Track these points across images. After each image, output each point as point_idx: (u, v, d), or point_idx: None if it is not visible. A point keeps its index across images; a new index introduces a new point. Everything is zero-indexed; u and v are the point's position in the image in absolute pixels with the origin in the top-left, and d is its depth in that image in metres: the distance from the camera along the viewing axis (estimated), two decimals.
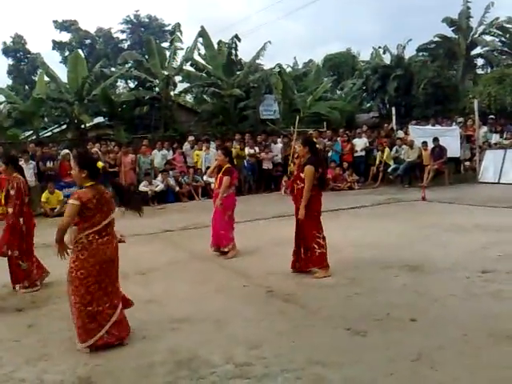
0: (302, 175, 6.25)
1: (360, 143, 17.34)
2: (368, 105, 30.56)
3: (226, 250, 7.59)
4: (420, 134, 16.61)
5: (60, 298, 5.95)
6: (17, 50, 42.52)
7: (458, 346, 4.10)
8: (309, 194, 6.16)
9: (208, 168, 11.89)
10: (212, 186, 9.32)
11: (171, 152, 16.09)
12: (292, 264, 6.49)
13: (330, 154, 16.95)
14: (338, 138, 17.64)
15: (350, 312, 5.01)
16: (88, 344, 4.35)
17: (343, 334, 4.47)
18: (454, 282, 5.82)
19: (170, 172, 15.12)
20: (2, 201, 6.48)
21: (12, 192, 6.27)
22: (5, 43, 42.83)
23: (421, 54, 27.31)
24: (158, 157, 15.47)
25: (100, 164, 4.45)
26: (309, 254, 6.32)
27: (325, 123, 21.16)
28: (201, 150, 15.76)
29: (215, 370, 3.90)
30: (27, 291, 6.36)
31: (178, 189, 14.85)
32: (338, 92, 30.17)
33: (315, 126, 20.49)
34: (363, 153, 17.29)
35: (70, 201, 4.26)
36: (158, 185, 14.36)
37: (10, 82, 41.10)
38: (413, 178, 16.07)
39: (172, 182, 14.83)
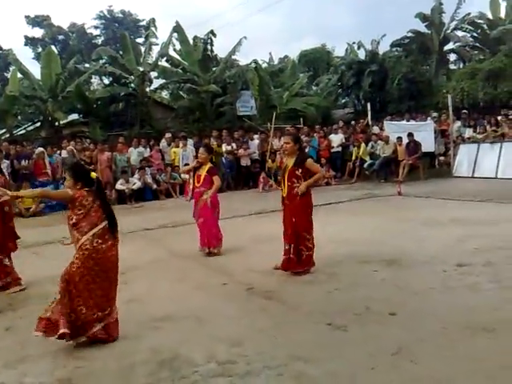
0: (297, 172, 6.16)
1: (336, 139, 17.46)
2: (343, 100, 30.76)
3: (215, 251, 7.54)
4: (395, 129, 16.80)
5: (39, 300, 5.88)
6: None
7: (437, 338, 4.17)
8: (320, 178, 6.21)
9: (186, 165, 11.83)
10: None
11: (148, 149, 15.96)
12: (284, 265, 6.34)
13: (307, 149, 16.99)
14: (315, 134, 17.72)
15: (330, 307, 5.05)
16: (79, 341, 4.38)
17: (324, 330, 4.50)
18: (431, 276, 5.90)
19: (148, 169, 15.00)
20: None
21: None
22: None
23: (395, 49, 27.63)
24: (135, 154, 15.34)
25: (93, 174, 4.47)
26: (296, 254, 6.21)
27: (301, 119, 21.22)
28: (178, 147, 15.67)
29: (197, 369, 3.89)
30: (14, 290, 6.28)
31: (155, 186, 14.76)
32: (314, 88, 30.27)
33: (292, 121, 20.55)
34: (340, 148, 17.42)
35: (65, 189, 4.38)
36: (135, 183, 14.24)
37: None
38: (388, 173, 16.22)
39: (149, 179, 14.73)
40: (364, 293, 5.41)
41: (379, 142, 16.51)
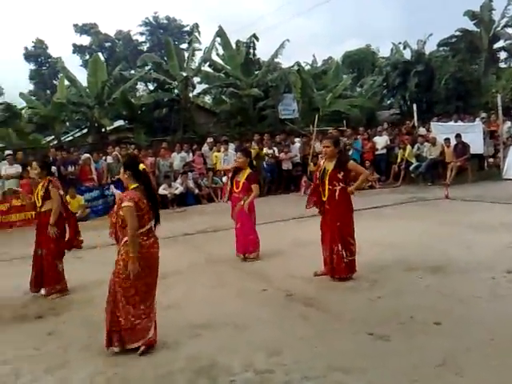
0: (339, 175, 6.08)
1: (381, 141, 17.10)
2: (388, 102, 30.17)
3: (251, 256, 7.48)
4: (442, 130, 16.31)
5: (80, 304, 6.01)
6: (38, 54, 43.11)
7: (484, 348, 3.99)
8: (366, 178, 6.13)
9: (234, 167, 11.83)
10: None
11: (190, 154, 16.09)
12: (327, 271, 6.25)
13: (350, 152, 16.76)
14: (359, 136, 17.43)
15: (372, 316, 4.91)
16: (138, 345, 4.38)
17: (366, 339, 4.38)
18: (479, 283, 5.68)
19: (190, 174, 15.11)
20: (38, 202, 6.52)
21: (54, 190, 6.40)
22: (26, 48, 43.51)
23: (442, 48, 26.90)
24: (177, 159, 15.48)
25: (142, 166, 4.52)
26: (339, 259, 6.09)
27: (344, 121, 20.94)
28: (219, 151, 15.72)
29: (235, 378, 3.85)
30: (57, 296, 6.37)
31: (197, 191, 14.83)
32: (358, 89, 29.84)
33: (335, 124, 20.29)
34: (384, 151, 17.04)
35: (125, 203, 4.28)
36: (178, 187, 14.36)
37: (31, 87, 41.80)
38: (435, 175, 15.74)
39: (191, 184, 14.82)
40: (408, 301, 5.24)
41: (426, 143, 16.06)
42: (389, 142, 17.13)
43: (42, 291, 6.44)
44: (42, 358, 4.50)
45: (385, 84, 26.68)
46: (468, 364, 3.75)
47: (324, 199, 6.21)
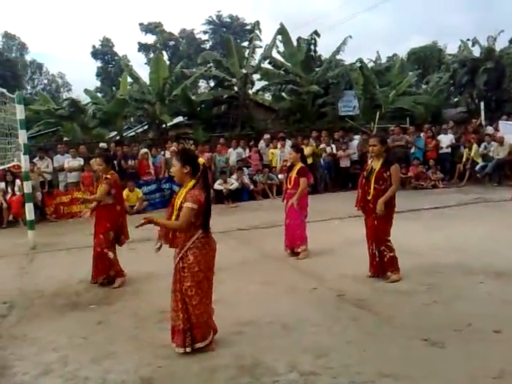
0: (385, 175, 5.92)
1: (445, 139, 16.46)
2: (455, 99, 29.13)
3: (299, 250, 7.39)
4: (511, 129, 15.47)
5: (131, 295, 6.07)
6: (105, 52, 44.71)
7: None
8: (395, 192, 5.93)
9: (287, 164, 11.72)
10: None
11: (247, 150, 16.08)
12: (373, 270, 6.16)
13: (412, 150, 16.25)
14: (421, 134, 16.86)
15: (426, 321, 4.65)
16: (207, 341, 4.28)
17: (418, 345, 4.14)
18: None
19: (245, 170, 15.10)
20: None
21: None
22: (94, 46, 45.22)
23: None
24: (234, 155, 15.52)
25: (201, 160, 4.36)
26: (379, 257, 6.03)
27: (408, 119, 20.33)
28: (276, 148, 15.61)
29: (278, 379, 3.73)
30: (118, 283, 6.52)
31: (252, 187, 14.80)
32: (424, 86, 29.00)
33: (397, 121, 19.72)
34: (449, 150, 16.41)
35: (189, 204, 4.07)
36: (233, 183, 14.37)
37: (98, 84, 43.34)
38: (502, 176, 15.03)
39: (247, 180, 14.81)
40: (466, 307, 4.94)
41: (493, 143, 15.35)
42: (454, 141, 16.49)
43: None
44: (90, 347, 4.54)
45: (452, 81, 25.78)
46: None
47: (369, 198, 6.04)
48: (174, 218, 4.27)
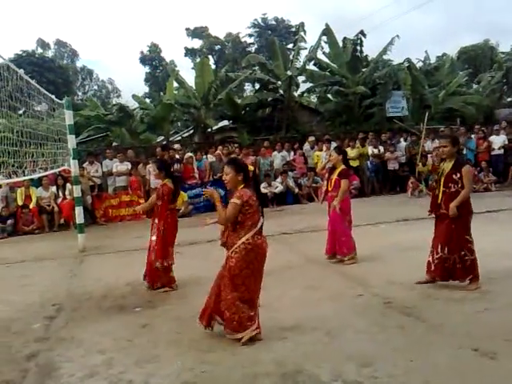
0: (455, 177, 5.66)
1: (498, 140, 15.93)
2: (509, 99, 28.12)
3: (345, 258, 7.19)
4: None
5: (176, 299, 6.10)
6: (153, 58, 45.63)
7: None
8: (468, 196, 5.66)
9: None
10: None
11: (292, 153, 15.99)
12: (436, 272, 5.82)
13: (463, 152, 15.74)
14: (473, 135, 16.33)
15: (478, 330, 4.44)
16: (243, 334, 4.45)
17: (468, 355, 3.96)
18: None
19: (290, 173, 15.01)
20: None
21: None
22: (142, 52, 46.21)
23: None
24: (278, 158, 15.48)
25: (251, 168, 4.72)
26: (458, 262, 5.67)
27: (458, 119, 19.74)
28: (321, 150, 15.45)
29: None
30: (165, 290, 6.50)
31: (297, 190, 14.70)
32: (475, 86, 28.15)
33: (448, 122, 19.24)
34: (502, 151, 15.85)
35: (233, 200, 4.42)
36: (278, 186, 14.32)
37: (147, 89, 44.28)
38: None
39: (291, 183, 14.72)
40: None
41: None
42: (507, 142, 15.87)
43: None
44: (134, 350, 4.58)
45: (504, 80, 24.93)
46: None
47: (439, 202, 5.78)
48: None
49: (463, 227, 5.67)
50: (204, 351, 4.39)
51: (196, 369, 4.08)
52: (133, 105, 22.20)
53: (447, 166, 5.78)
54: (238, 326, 4.46)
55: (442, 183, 5.74)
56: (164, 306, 5.88)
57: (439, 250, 5.72)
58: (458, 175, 5.65)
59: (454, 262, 5.64)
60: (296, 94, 22.58)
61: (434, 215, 5.94)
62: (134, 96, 21.78)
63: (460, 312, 4.94)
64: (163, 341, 4.75)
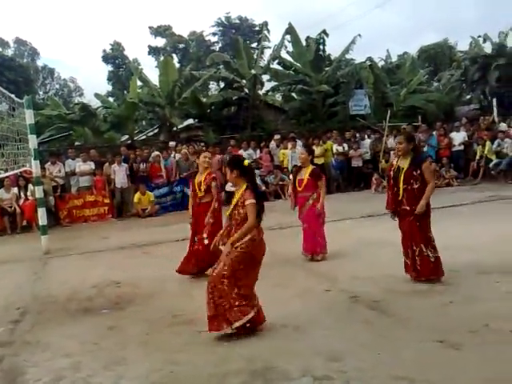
0: (415, 173, 5.74)
1: (458, 137, 16.32)
2: (468, 97, 28.85)
3: (318, 258, 7.25)
4: None
5: (143, 300, 6.04)
6: (115, 56, 44.88)
7: None
8: (433, 190, 5.77)
9: (295, 166, 11.61)
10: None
11: (258, 151, 16.04)
12: (407, 269, 5.92)
13: (425, 148, 16.10)
14: (434, 132, 16.71)
15: (443, 323, 4.55)
16: (241, 322, 4.50)
17: (434, 347, 4.05)
18: None
19: (257, 171, 15.03)
20: (200, 193, 6.93)
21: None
22: (104, 51, 45.43)
23: None
24: (245, 156, 15.43)
25: (246, 162, 4.79)
26: (423, 261, 5.75)
27: (420, 117, 20.17)
28: (286, 148, 15.55)
29: (291, 383, 3.65)
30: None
31: (264, 188, 14.74)
32: (435, 84, 28.78)
33: (409, 119, 19.60)
34: (462, 147, 16.25)
35: (250, 201, 4.53)
36: None
37: (110, 88, 43.58)
38: None
39: (258, 181, 14.73)
40: (483, 307, 4.82)
41: (506, 139, 15.17)
42: (467, 138, 16.31)
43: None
44: (102, 352, 4.52)
45: (463, 78, 25.54)
46: None
47: (400, 199, 5.85)
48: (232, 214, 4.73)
49: (427, 225, 5.78)
50: (173, 351, 4.37)
51: (165, 369, 4.06)
52: (95, 104, 21.81)
53: (404, 163, 5.83)
54: (235, 316, 4.50)
55: (401, 180, 5.79)
56: (131, 308, 5.82)
57: (409, 248, 5.81)
58: (419, 171, 5.72)
59: (420, 260, 5.73)
60: (261, 92, 22.67)
61: (393, 213, 6.02)
62: (96, 95, 21.41)
63: (425, 305, 5.05)
64: (131, 342, 4.70)
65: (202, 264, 6.64)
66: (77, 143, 19.31)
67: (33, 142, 9.58)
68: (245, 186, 4.63)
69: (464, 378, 3.53)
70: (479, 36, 26.16)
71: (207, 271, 6.45)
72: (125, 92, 33.80)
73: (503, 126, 16.67)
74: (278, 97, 27.47)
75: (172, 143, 16.23)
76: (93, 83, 47.99)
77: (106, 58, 45.37)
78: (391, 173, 6.01)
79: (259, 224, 4.64)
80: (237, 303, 4.52)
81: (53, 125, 19.81)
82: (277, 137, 16.72)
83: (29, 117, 9.44)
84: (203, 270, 6.59)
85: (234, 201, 4.71)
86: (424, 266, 5.72)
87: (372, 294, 5.49)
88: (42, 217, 9.72)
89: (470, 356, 3.85)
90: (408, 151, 5.85)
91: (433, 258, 5.73)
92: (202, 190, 6.86)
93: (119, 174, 13.82)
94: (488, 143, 15.37)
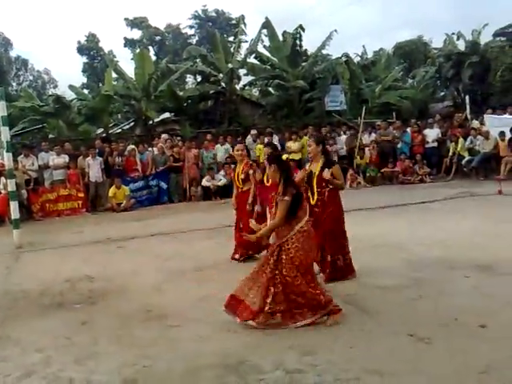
0: (324, 175, 5.73)
1: (432, 134, 16.54)
2: (442, 93, 29.27)
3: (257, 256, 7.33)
4: (496, 123, 15.55)
5: (116, 294, 6.01)
6: (90, 48, 44.18)
7: None
8: (343, 189, 6.04)
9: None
10: None
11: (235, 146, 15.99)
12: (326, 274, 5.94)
13: (399, 145, 16.32)
14: (408, 129, 16.92)
15: (413, 316, 4.64)
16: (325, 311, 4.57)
17: (404, 341, 4.13)
18: None
19: (233, 166, 15.01)
20: (239, 183, 7.38)
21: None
22: (79, 42, 44.71)
23: (498, 39, 25.62)
24: (221, 151, 15.46)
25: (284, 156, 4.87)
26: (340, 261, 5.88)
27: (394, 113, 20.39)
28: (263, 143, 15.54)
29: (264, 377, 3.69)
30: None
31: None
32: (410, 81, 29.09)
33: (384, 116, 19.79)
34: (435, 144, 16.48)
35: (282, 198, 4.54)
36: (221, 179, 14.33)
37: (84, 80, 42.95)
38: (489, 170, 15.12)
39: None
40: (452, 301, 4.94)
41: (479, 136, 15.41)
42: (440, 135, 16.55)
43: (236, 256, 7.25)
44: (74, 347, 4.48)
45: (437, 75, 25.89)
46: None
47: (313, 203, 5.85)
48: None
49: (339, 231, 5.91)
50: (145, 346, 4.36)
51: (138, 364, 4.05)
52: (70, 96, 21.46)
53: (315, 167, 5.85)
54: (317, 306, 4.57)
55: (315, 185, 5.80)
56: (104, 302, 5.77)
57: (324, 253, 5.85)
58: (330, 172, 5.74)
59: (330, 264, 5.83)
60: (238, 87, 22.62)
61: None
62: (71, 86, 21.08)
63: (396, 300, 5.13)
64: (104, 337, 4.67)
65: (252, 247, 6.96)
66: (51, 136, 18.97)
67: (5, 134, 9.41)
68: (281, 181, 4.66)
69: (433, 370, 3.61)
70: (453, 33, 26.58)
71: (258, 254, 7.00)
72: (100, 84, 33.41)
73: (475, 124, 16.92)
74: (255, 91, 27.47)
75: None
76: (67, 75, 47.32)
77: (81, 50, 44.63)
78: (304, 178, 5.98)
79: (297, 217, 4.60)
80: (318, 291, 4.61)
81: (26, 117, 19.44)
82: (253, 132, 16.70)
83: (1, 108, 9.27)
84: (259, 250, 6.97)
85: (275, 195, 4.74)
86: (331, 270, 5.84)
87: (344, 289, 5.55)
88: (14, 210, 9.57)
89: (440, 349, 3.94)
90: (317, 154, 5.88)
91: (341, 264, 5.86)
92: (240, 179, 7.26)
93: (93, 167, 13.67)
94: (461, 140, 15.64)
